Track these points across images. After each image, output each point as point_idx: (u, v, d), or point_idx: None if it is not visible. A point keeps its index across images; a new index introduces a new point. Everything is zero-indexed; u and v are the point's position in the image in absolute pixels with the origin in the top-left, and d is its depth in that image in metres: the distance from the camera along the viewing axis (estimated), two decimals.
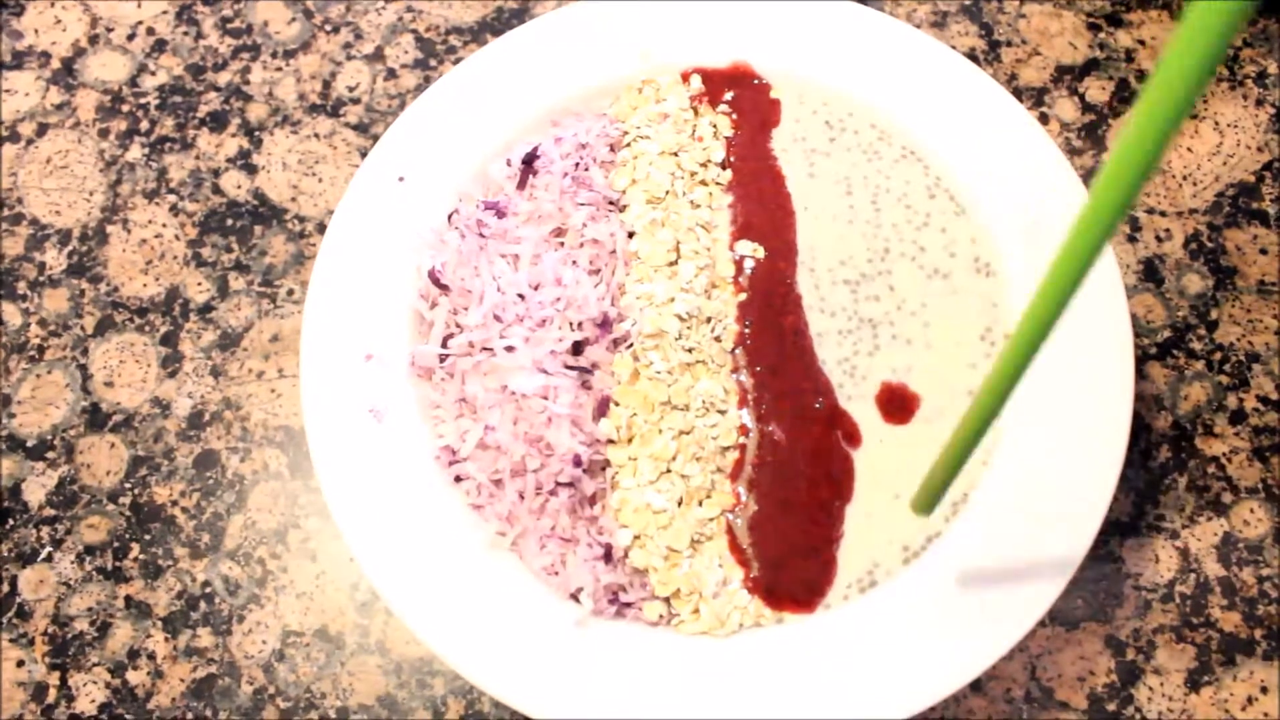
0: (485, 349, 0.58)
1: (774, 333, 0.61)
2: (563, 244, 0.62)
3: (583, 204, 0.62)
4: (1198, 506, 0.66)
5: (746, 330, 0.61)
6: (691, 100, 0.66)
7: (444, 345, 0.60)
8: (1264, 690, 0.62)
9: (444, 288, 0.61)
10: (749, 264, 0.63)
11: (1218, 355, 0.69)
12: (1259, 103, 0.75)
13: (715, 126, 0.66)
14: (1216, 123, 0.75)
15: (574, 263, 0.61)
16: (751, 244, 0.63)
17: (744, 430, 0.59)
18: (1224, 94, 0.75)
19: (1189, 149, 0.74)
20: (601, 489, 0.58)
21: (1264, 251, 0.71)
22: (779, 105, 0.67)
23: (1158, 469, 0.67)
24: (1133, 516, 0.66)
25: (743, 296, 0.62)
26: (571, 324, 0.59)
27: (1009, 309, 0.62)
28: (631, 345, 0.60)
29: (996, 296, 0.63)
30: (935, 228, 0.64)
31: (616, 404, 0.58)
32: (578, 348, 0.58)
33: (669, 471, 0.58)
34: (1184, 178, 0.73)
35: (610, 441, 0.58)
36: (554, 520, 0.57)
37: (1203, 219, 0.72)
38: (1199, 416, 0.68)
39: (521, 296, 0.59)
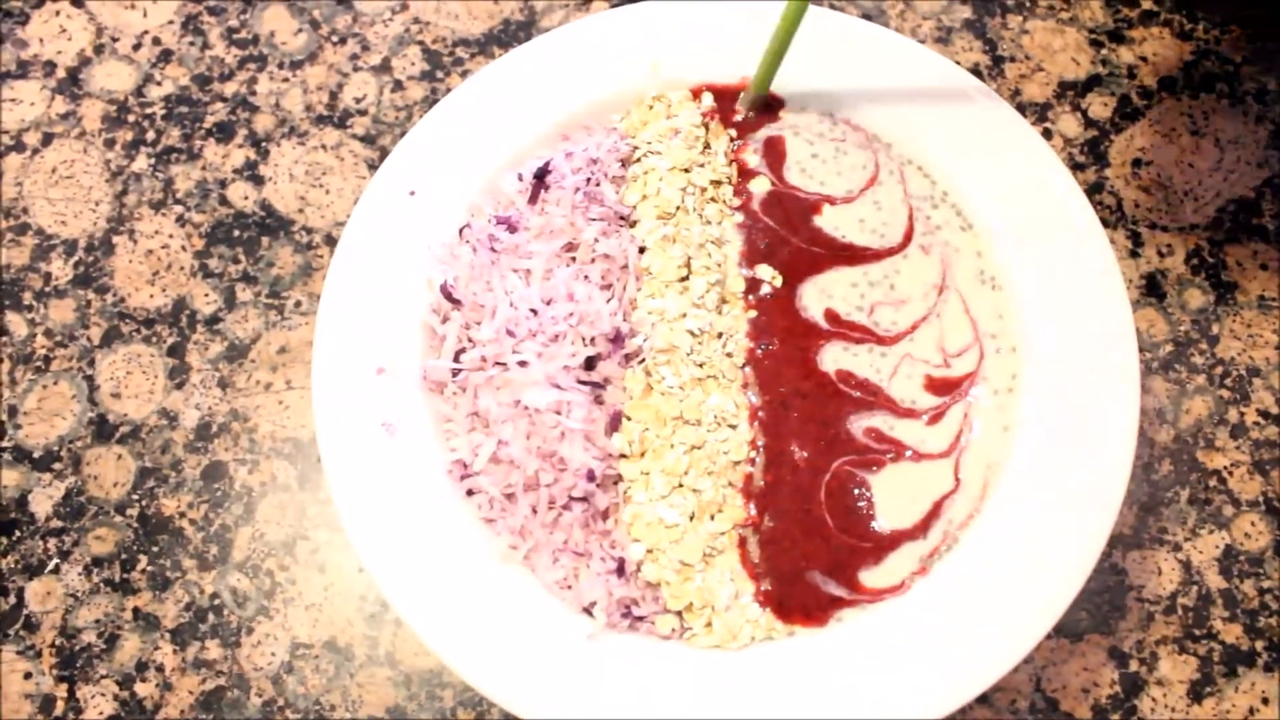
0: (498, 363, 0.59)
1: (793, 359, 0.62)
2: (574, 259, 0.62)
3: (594, 219, 0.62)
4: (1199, 519, 0.67)
5: (761, 352, 0.62)
6: (703, 117, 0.66)
7: (456, 360, 0.60)
8: (1265, 701, 0.63)
9: (456, 302, 0.61)
10: (765, 289, 0.63)
11: (1219, 370, 0.70)
12: (1259, 119, 0.76)
13: (729, 144, 0.67)
14: (1217, 139, 0.75)
15: (586, 278, 0.61)
16: (771, 270, 0.63)
17: (754, 445, 0.60)
18: (1225, 111, 0.76)
19: (1190, 164, 0.75)
20: (614, 503, 0.58)
21: (1264, 267, 0.72)
22: (788, 120, 0.68)
23: (1160, 482, 0.67)
24: (1135, 529, 0.66)
25: (753, 314, 0.62)
26: (584, 339, 0.59)
27: (1015, 320, 0.63)
28: (643, 360, 0.60)
29: (1003, 308, 0.63)
30: (942, 242, 0.65)
31: (629, 419, 0.59)
32: (590, 363, 0.59)
33: (681, 486, 0.58)
34: (1185, 193, 0.74)
35: (622, 456, 0.58)
36: (567, 534, 0.57)
37: (1204, 234, 0.73)
38: (1200, 430, 0.69)
39: (534, 311, 0.59)
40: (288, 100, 0.76)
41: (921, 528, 0.59)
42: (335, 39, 0.78)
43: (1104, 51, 0.78)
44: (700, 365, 0.60)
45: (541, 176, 0.64)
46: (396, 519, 0.57)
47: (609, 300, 0.61)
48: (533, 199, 0.63)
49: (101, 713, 0.62)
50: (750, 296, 0.63)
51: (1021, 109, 0.76)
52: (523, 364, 0.58)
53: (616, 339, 0.60)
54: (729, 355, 0.61)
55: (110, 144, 0.75)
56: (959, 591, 0.57)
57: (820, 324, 0.63)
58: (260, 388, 0.69)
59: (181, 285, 0.72)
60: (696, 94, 0.67)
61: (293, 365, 0.70)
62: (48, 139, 0.75)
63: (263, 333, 0.70)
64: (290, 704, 0.63)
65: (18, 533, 0.66)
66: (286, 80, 0.77)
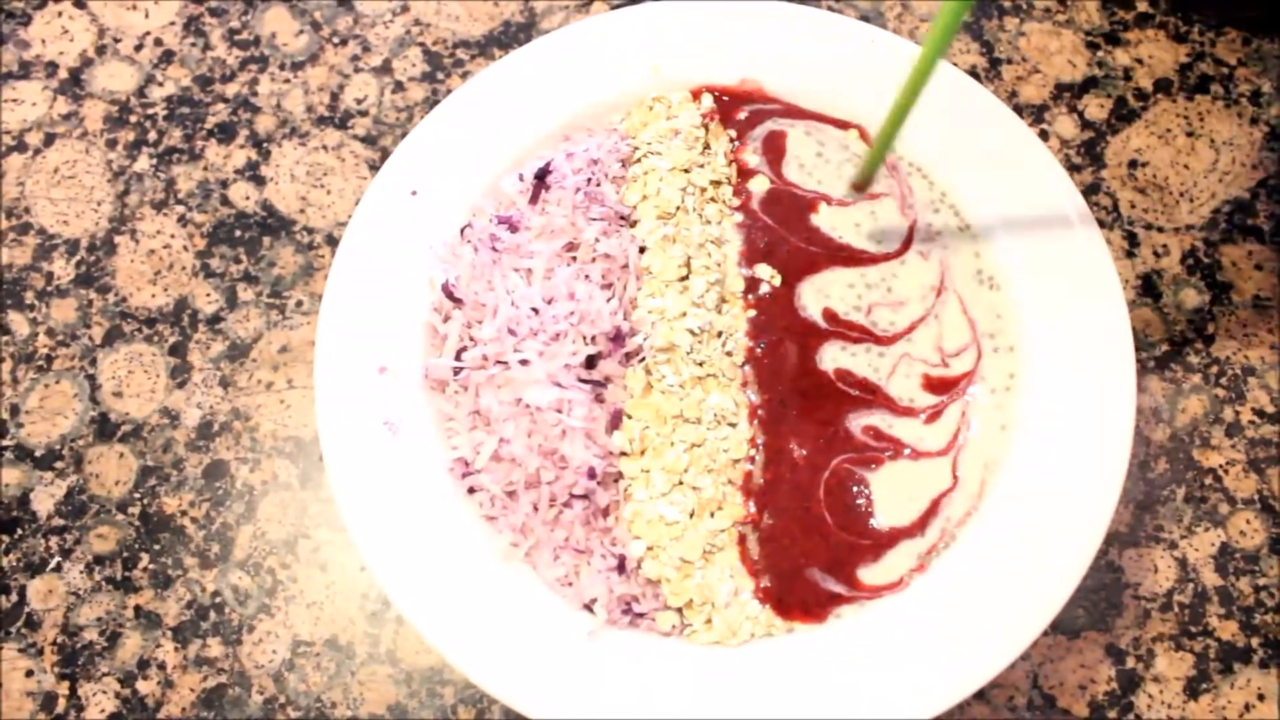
0: (499, 362, 0.59)
1: (792, 359, 0.62)
2: (575, 259, 0.62)
3: (594, 219, 0.63)
4: (1195, 517, 0.67)
5: (760, 351, 0.62)
6: (703, 118, 0.67)
7: (458, 358, 0.60)
8: (1261, 697, 0.63)
9: (458, 301, 0.61)
10: (764, 288, 0.63)
11: (1214, 369, 0.70)
12: (1254, 121, 0.76)
13: (729, 145, 0.67)
14: (1212, 140, 0.76)
15: (586, 277, 0.61)
16: (770, 269, 0.64)
17: (754, 443, 0.60)
18: (1220, 112, 0.77)
19: (1186, 166, 0.75)
20: (615, 501, 0.58)
21: (1259, 267, 0.73)
22: (787, 127, 0.68)
23: (1156, 480, 0.68)
24: (1132, 527, 0.67)
25: (753, 313, 0.63)
26: (585, 338, 0.59)
27: (1013, 319, 0.63)
28: (644, 359, 0.60)
29: (1000, 308, 0.64)
30: (940, 243, 0.65)
31: (629, 417, 0.59)
32: (591, 361, 0.59)
33: (681, 483, 0.58)
34: (1181, 194, 0.75)
35: (623, 454, 0.59)
36: (568, 532, 0.57)
37: (1199, 235, 0.74)
38: (1196, 429, 0.69)
39: (535, 310, 0.60)
40: (289, 101, 0.77)
41: (920, 525, 0.59)
42: (336, 40, 0.79)
43: (1100, 54, 0.79)
44: (700, 364, 0.60)
45: (542, 177, 0.64)
46: (398, 517, 0.58)
47: (609, 299, 0.61)
48: (534, 199, 0.64)
49: (103, 710, 0.63)
50: (750, 296, 0.63)
51: (1018, 110, 0.77)
52: (524, 362, 0.58)
53: (617, 338, 0.60)
54: (729, 354, 0.62)
55: (112, 144, 0.76)
56: (957, 589, 0.57)
57: (819, 323, 0.63)
58: (262, 387, 0.69)
59: (183, 285, 0.72)
60: (696, 95, 0.68)
61: (294, 364, 0.70)
62: (50, 139, 0.76)
63: (264, 332, 0.71)
64: (291, 701, 0.63)
65: (20, 531, 0.66)
66: (288, 81, 0.77)
